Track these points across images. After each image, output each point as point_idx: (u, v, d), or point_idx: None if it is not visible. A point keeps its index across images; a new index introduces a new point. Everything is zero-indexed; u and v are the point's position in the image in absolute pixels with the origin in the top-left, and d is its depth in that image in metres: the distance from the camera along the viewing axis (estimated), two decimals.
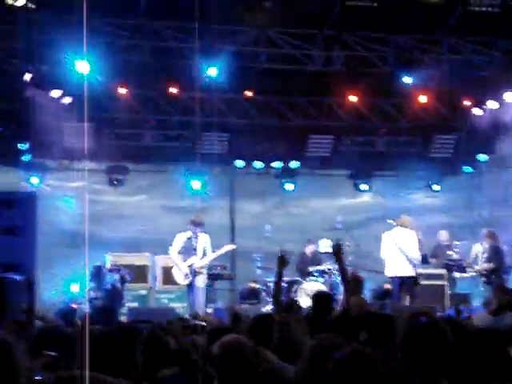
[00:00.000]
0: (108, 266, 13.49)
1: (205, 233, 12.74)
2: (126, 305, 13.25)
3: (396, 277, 12.90)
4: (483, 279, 13.52)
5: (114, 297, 12.31)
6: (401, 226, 13.09)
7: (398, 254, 12.82)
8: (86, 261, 12.18)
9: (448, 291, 13.87)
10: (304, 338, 5.13)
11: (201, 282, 12.69)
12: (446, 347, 3.57)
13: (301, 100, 15.82)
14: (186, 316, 9.92)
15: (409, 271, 12.88)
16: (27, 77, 13.26)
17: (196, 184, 16.02)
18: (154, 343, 4.52)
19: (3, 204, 11.92)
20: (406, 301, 12.82)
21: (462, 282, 14.34)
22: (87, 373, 2.53)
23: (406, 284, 12.87)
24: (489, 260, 13.62)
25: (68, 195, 15.00)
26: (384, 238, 13.16)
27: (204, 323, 7.51)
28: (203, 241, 12.62)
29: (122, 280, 12.80)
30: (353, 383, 3.11)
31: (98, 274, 12.68)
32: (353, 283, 7.56)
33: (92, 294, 12.50)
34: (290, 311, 7.17)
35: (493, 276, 13.32)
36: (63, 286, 13.58)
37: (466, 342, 3.79)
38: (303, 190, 16.76)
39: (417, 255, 13.05)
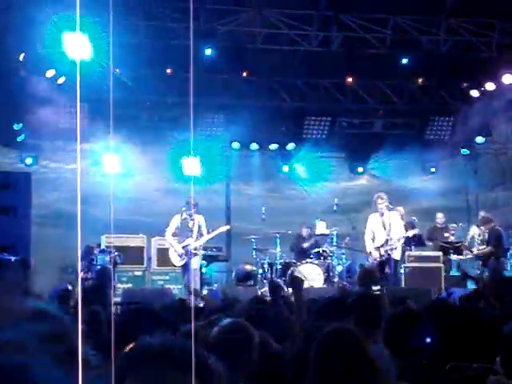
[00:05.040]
0: (101, 246, 13.45)
1: (199, 214, 12.68)
2: (121, 286, 13.23)
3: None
4: (480, 262, 13.53)
5: (104, 278, 12.27)
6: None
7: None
8: (78, 242, 12.09)
9: (444, 273, 13.87)
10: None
11: (196, 263, 12.68)
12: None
13: (297, 81, 15.73)
14: (184, 297, 9.89)
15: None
16: (21, 57, 13.15)
17: (192, 166, 15.93)
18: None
19: None
20: None
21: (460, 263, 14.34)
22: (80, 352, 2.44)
23: None
24: (485, 243, 13.64)
25: (63, 176, 14.94)
26: None
27: (201, 304, 7.49)
28: (198, 222, 12.58)
29: (113, 261, 12.77)
30: (337, 359, 3.16)
31: (88, 254, 12.65)
32: None
33: (82, 274, 12.47)
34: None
35: (490, 259, 13.33)
36: (57, 267, 13.54)
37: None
38: (299, 172, 16.71)
39: None
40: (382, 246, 12.24)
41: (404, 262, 13.49)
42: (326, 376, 3.16)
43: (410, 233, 12.90)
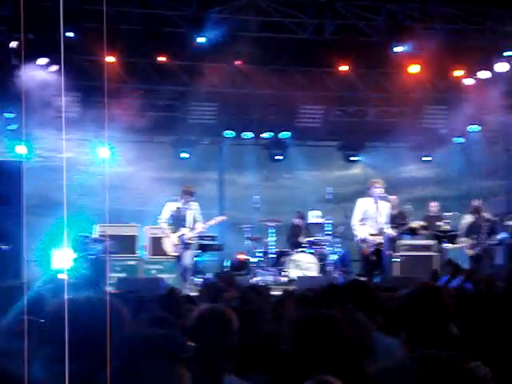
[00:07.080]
0: (94, 236, 13.42)
1: (194, 201, 12.60)
2: (115, 275, 13.19)
3: None
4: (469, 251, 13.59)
5: (97, 267, 12.26)
6: None
7: None
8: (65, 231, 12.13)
9: (437, 262, 13.90)
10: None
11: (190, 252, 12.65)
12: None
13: (291, 69, 15.67)
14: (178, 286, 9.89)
15: None
16: (13, 44, 13.07)
17: (184, 155, 15.93)
18: None
19: None
20: None
21: (451, 252, 14.37)
22: (67, 340, 2.44)
23: None
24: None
25: (55, 165, 14.87)
26: None
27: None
28: (193, 210, 12.50)
29: (107, 251, 12.75)
30: (315, 343, 3.11)
31: (82, 243, 12.62)
32: None
33: (76, 263, 12.44)
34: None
35: (477, 248, 13.40)
36: (50, 256, 13.49)
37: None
38: (293, 161, 16.70)
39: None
40: (379, 233, 11.87)
41: (397, 251, 13.53)
42: (300, 356, 3.14)
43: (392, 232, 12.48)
